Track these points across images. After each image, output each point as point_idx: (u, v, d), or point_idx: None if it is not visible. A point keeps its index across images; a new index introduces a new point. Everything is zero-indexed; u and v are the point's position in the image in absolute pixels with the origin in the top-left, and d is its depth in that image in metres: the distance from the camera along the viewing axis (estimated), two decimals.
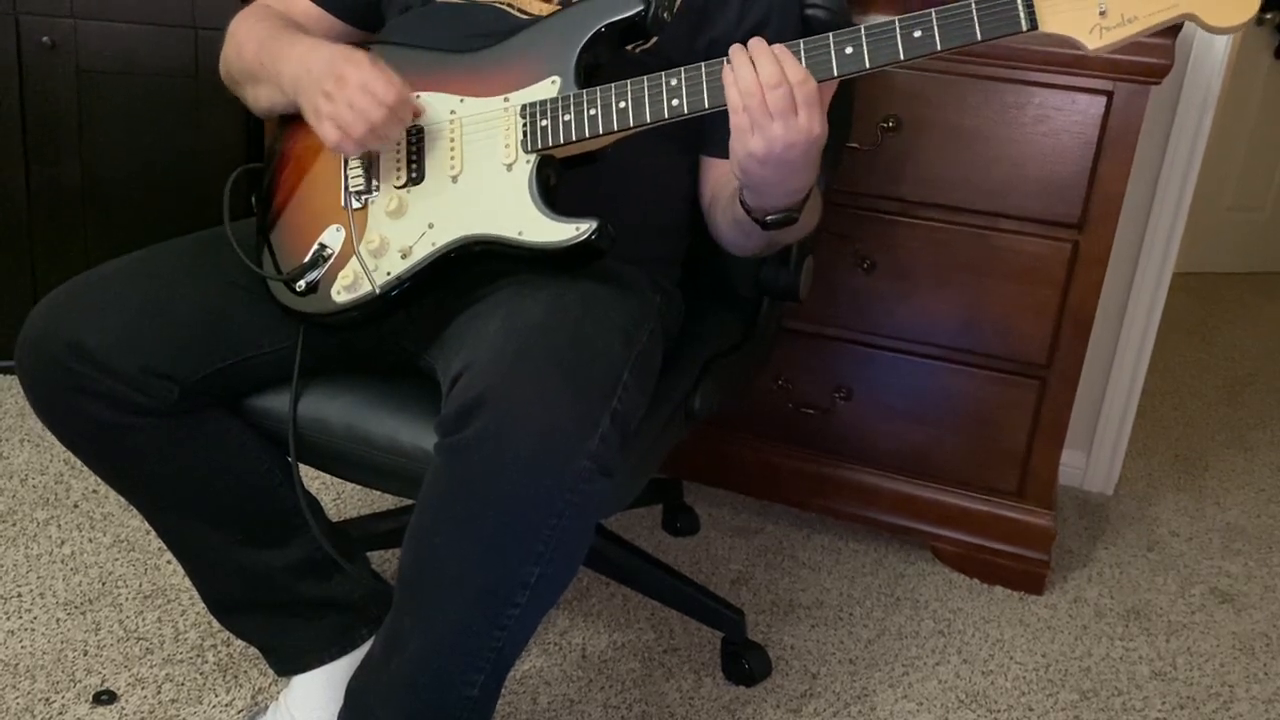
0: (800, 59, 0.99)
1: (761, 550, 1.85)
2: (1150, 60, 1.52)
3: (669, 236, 1.35)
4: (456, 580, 1.02)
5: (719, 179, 1.26)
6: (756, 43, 1.00)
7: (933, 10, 0.98)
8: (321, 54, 1.12)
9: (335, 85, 1.07)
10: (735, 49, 1.00)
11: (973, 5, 0.96)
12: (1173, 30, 1.47)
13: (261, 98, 1.23)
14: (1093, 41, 0.94)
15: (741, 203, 1.12)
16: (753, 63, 0.98)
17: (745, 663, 1.51)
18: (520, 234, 1.07)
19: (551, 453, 0.96)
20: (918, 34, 0.98)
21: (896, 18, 0.99)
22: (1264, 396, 2.77)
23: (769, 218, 1.10)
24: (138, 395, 1.10)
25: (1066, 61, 1.56)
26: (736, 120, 1.00)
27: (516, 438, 0.96)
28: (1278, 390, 2.83)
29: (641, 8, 1.09)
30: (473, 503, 0.99)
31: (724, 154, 1.24)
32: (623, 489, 1.16)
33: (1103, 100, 1.58)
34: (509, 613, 1.02)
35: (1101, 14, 0.94)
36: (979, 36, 0.96)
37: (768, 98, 0.97)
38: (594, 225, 1.05)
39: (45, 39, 2.01)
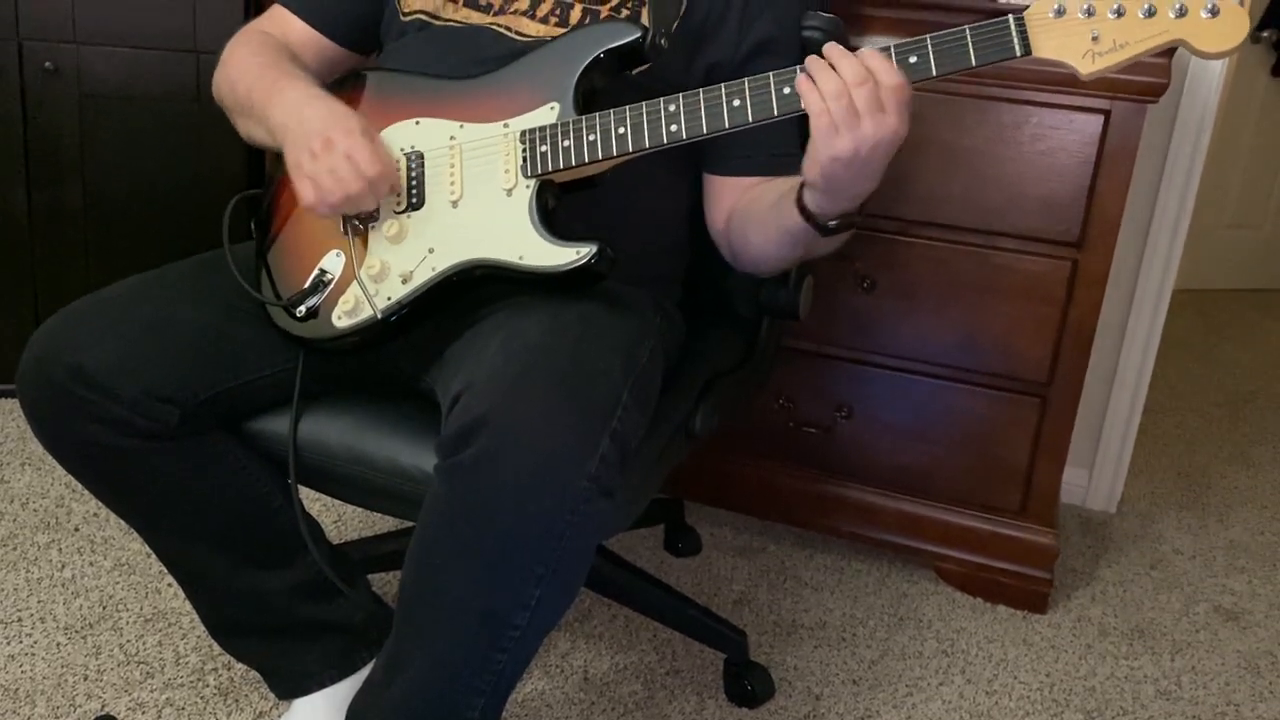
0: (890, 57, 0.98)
1: (764, 570, 1.84)
2: (1147, 79, 1.53)
3: (668, 256, 1.35)
4: (457, 602, 1.02)
5: (738, 197, 1.25)
6: (832, 47, 0.99)
7: (928, 37, 0.98)
8: (315, 109, 1.12)
9: (322, 147, 1.08)
10: (812, 60, 0.99)
11: (967, 32, 0.97)
12: (1169, 50, 1.47)
13: (251, 133, 1.23)
14: (1085, 67, 0.95)
15: (802, 209, 1.08)
16: (832, 66, 0.97)
17: (748, 684, 1.50)
18: (521, 258, 1.08)
19: (552, 474, 0.96)
20: (913, 60, 0.98)
21: (893, 44, 0.99)
22: (1266, 413, 2.76)
23: (831, 222, 1.08)
24: (138, 419, 1.10)
25: (1063, 81, 1.57)
26: (820, 123, 0.98)
27: (516, 459, 0.96)
28: (1279, 407, 2.83)
29: (639, 34, 1.10)
30: (473, 524, 0.98)
31: (739, 172, 1.25)
32: (623, 509, 1.16)
33: (1100, 119, 1.59)
34: (510, 635, 1.02)
35: (1094, 40, 0.94)
36: (973, 63, 0.97)
37: (854, 95, 0.96)
38: (594, 249, 1.06)
39: (48, 64, 2.02)
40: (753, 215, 1.21)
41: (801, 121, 1.02)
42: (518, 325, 1.06)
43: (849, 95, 0.96)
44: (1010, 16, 0.96)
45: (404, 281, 1.11)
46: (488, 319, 1.13)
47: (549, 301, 1.09)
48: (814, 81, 0.98)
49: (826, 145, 0.98)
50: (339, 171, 1.07)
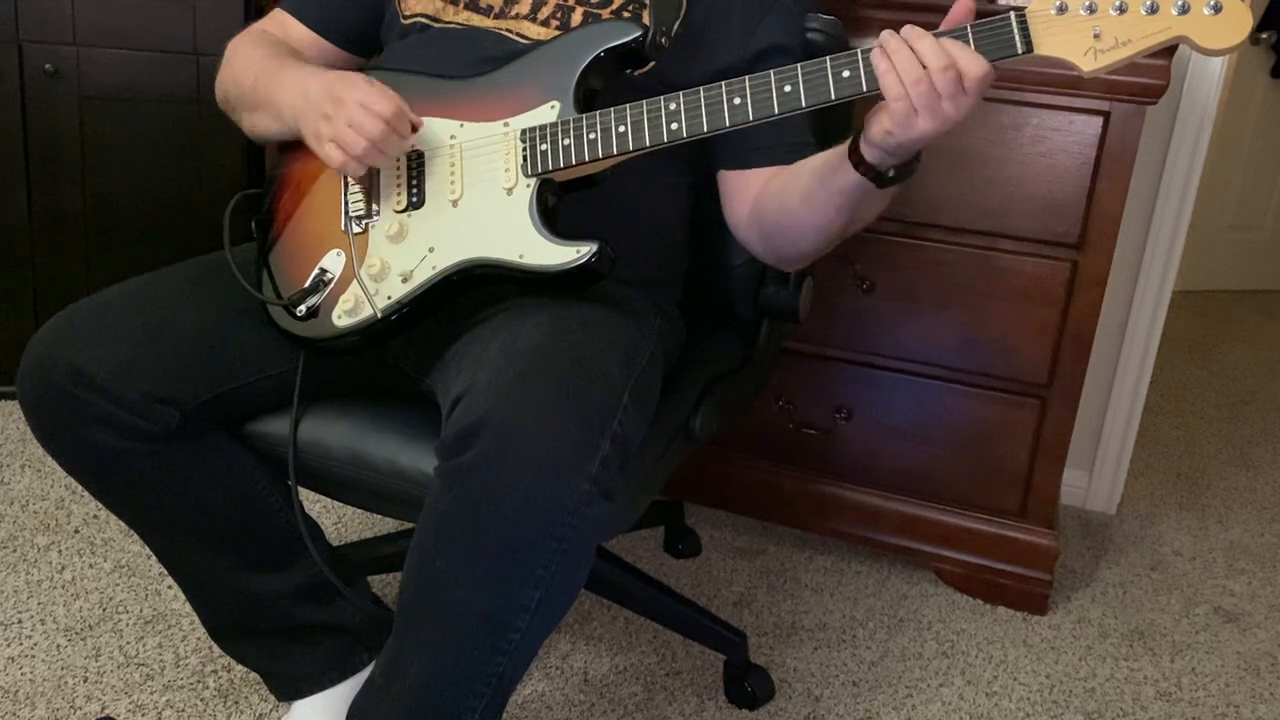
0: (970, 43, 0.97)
1: (764, 572, 1.84)
2: (1146, 80, 1.53)
3: (668, 257, 1.35)
4: (457, 604, 1.02)
5: (761, 186, 1.23)
6: (910, 29, 0.98)
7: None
8: (318, 79, 1.13)
9: (333, 107, 1.08)
10: (888, 37, 0.97)
11: (969, 30, 0.97)
12: (1168, 51, 1.47)
13: (259, 125, 1.24)
14: (1087, 64, 0.95)
15: (858, 165, 1.05)
16: (911, 47, 0.96)
17: (748, 685, 1.50)
18: (521, 257, 1.08)
19: (552, 476, 0.96)
20: None
21: None
22: (1265, 414, 2.77)
23: (890, 172, 1.05)
24: (139, 421, 1.11)
25: (1063, 82, 1.57)
26: (897, 108, 0.97)
27: (516, 461, 0.96)
28: (1279, 408, 2.83)
29: (640, 33, 1.10)
30: (473, 526, 0.98)
31: (758, 164, 1.23)
32: (623, 511, 1.16)
33: (1099, 120, 1.59)
34: (510, 637, 1.02)
35: (1096, 37, 0.94)
36: None
37: (936, 81, 0.95)
38: (594, 248, 1.06)
39: (48, 66, 2.03)
40: (792, 190, 1.17)
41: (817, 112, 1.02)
42: (518, 327, 1.06)
43: (929, 80, 0.95)
44: (1012, 13, 0.96)
45: (404, 280, 1.11)
46: (488, 321, 1.13)
47: (550, 304, 1.09)
48: (892, 64, 0.97)
49: (904, 128, 0.98)
50: (356, 120, 1.07)
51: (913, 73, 0.96)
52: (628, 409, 1.03)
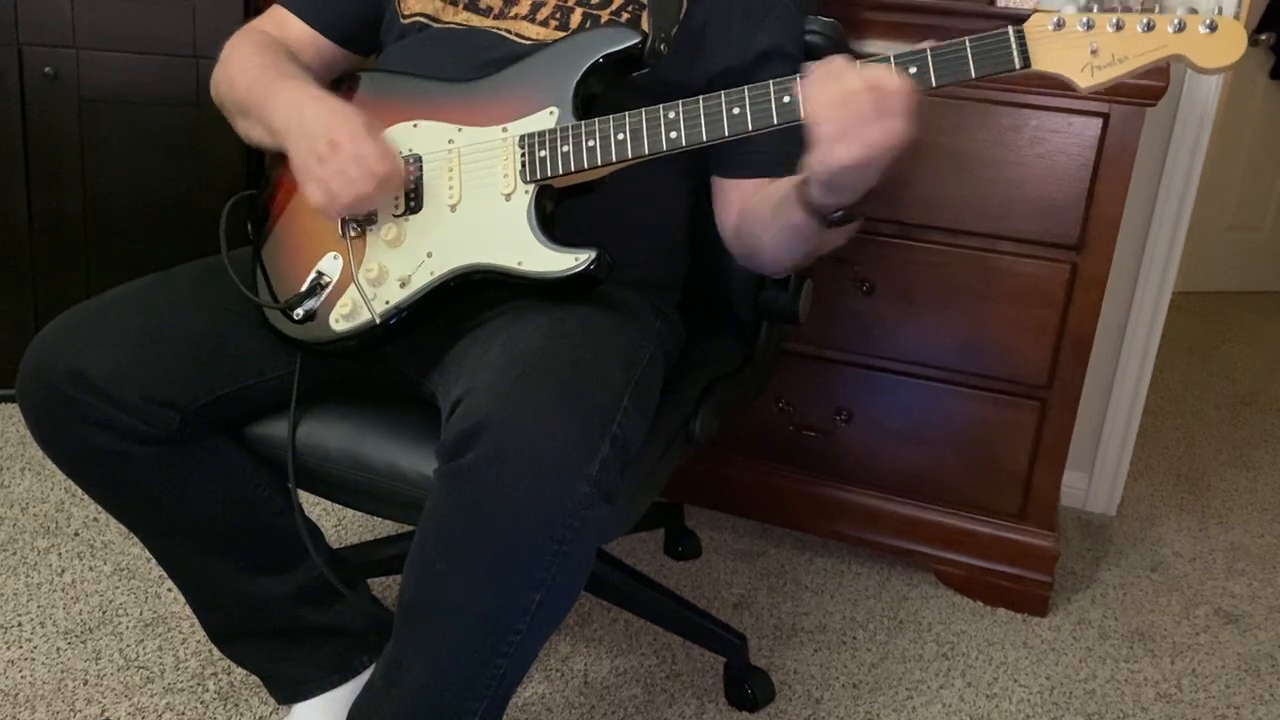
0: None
1: (764, 574, 1.84)
2: (1146, 82, 1.53)
3: (668, 260, 1.35)
4: (457, 607, 1.02)
5: (747, 198, 1.25)
6: (833, 59, 0.99)
7: (928, 48, 0.98)
8: (315, 110, 1.11)
9: (328, 149, 1.07)
10: (812, 68, 0.99)
11: (967, 43, 0.97)
12: None
13: (250, 133, 1.23)
14: (1084, 80, 0.95)
15: (805, 204, 1.08)
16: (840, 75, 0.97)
17: (748, 688, 1.50)
18: (519, 264, 1.08)
19: (552, 477, 0.96)
20: (913, 70, 0.99)
21: (893, 54, 0.99)
22: (1265, 415, 2.77)
23: (835, 215, 1.07)
24: (139, 424, 1.10)
25: (1062, 84, 1.57)
26: (821, 132, 0.98)
27: (517, 462, 0.96)
28: (1279, 409, 2.83)
29: (639, 39, 1.10)
30: (473, 528, 0.98)
31: (746, 174, 1.25)
32: (624, 513, 1.16)
33: (1099, 122, 1.59)
34: (510, 639, 1.02)
35: (1093, 53, 0.94)
36: (973, 74, 0.97)
37: (858, 103, 0.95)
38: (592, 255, 1.06)
39: (48, 69, 2.03)
40: (760, 216, 1.21)
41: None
42: (518, 330, 1.06)
43: (851, 103, 0.96)
44: (1010, 29, 0.96)
45: (402, 285, 1.11)
46: (488, 324, 1.13)
47: (550, 307, 1.09)
48: (814, 90, 0.98)
49: (829, 152, 0.98)
50: (349, 173, 1.07)
51: (834, 94, 0.96)
52: (628, 411, 1.03)
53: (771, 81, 1.03)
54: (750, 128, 1.04)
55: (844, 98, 0.96)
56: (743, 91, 1.03)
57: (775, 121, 1.03)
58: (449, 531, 1.00)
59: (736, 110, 1.03)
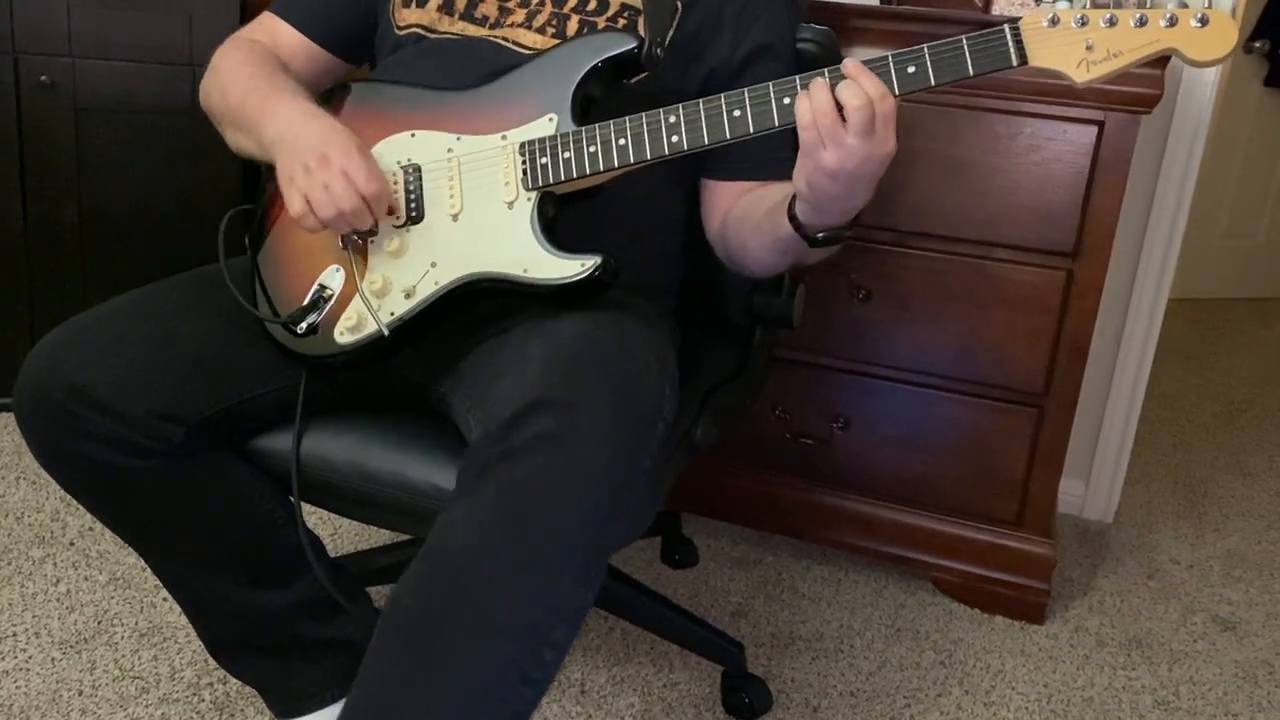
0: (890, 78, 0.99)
1: (761, 582, 1.84)
2: (1140, 90, 1.54)
3: (664, 264, 1.35)
4: (494, 620, 0.93)
5: (733, 201, 1.25)
6: (849, 64, 0.99)
7: (925, 47, 0.99)
8: (311, 126, 1.11)
9: (317, 163, 1.07)
10: (811, 76, 1.00)
11: (964, 41, 0.98)
12: (1162, 60, 1.48)
13: (240, 144, 1.21)
14: (1080, 75, 0.97)
15: (791, 219, 1.08)
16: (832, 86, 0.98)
17: (746, 696, 1.50)
18: (525, 272, 1.08)
19: (621, 455, 0.93)
20: (911, 70, 0.99)
21: (890, 54, 1.00)
22: (1262, 422, 2.77)
23: (820, 235, 1.07)
24: (141, 438, 1.09)
25: (1057, 92, 1.58)
26: (806, 137, 0.98)
27: (585, 437, 0.92)
28: (1275, 415, 2.83)
29: (636, 44, 1.10)
30: (535, 511, 0.91)
31: (734, 176, 1.26)
32: (645, 515, 1.14)
33: (1094, 130, 1.59)
34: (549, 653, 0.97)
35: (1088, 49, 0.96)
36: (971, 72, 0.98)
37: (847, 115, 0.96)
38: (598, 261, 1.06)
39: (44, 78, 2.03)
40: (747, 221, 1.21)
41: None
42: (553, 326, 1.06)
43: (835, 113, 0.97)
44: (1006, 26, 0.97)
45: (407, 296, 1.11)
46: (513, 329, 1.11)
47: (572, 308, 1.09)
48: (808, 96, 0.99)
49: (812, 158, 0.99)
50: (333, 187, 1.06)
51: (823, 103, 0.97)
52: (669, 399, 1.04)
53: (772, 84, 1.03)
54: (751, 130, 1.04)
55: (828, 106, 0.97)
56: (743, 94, 1.04)
57: (777, 124, 1.03)
58: (492, 534, 0.93)
59: (737, 113, 1.04)
